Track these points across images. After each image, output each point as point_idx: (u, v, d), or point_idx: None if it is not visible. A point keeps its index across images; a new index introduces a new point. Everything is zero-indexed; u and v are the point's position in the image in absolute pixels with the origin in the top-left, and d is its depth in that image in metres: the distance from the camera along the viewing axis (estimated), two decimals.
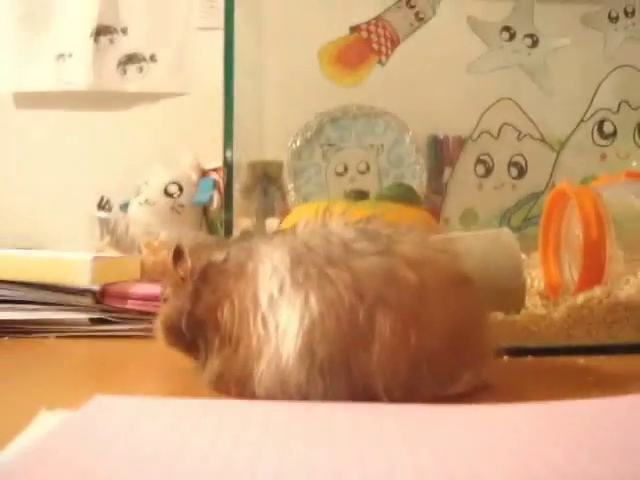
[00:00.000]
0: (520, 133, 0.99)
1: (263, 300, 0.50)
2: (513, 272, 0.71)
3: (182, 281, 0.57)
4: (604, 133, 0.99)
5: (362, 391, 0.48)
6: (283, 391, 0.49)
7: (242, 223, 0.85)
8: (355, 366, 0.48)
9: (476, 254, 0.70)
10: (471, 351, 0.51)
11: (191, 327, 0.55)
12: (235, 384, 0.51)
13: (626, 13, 0.98)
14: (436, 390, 0.49)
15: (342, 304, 0.47)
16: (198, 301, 0.55)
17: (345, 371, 0.48)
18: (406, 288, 0.48)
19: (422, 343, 0.47)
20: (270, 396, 0.49)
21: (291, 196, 1.02)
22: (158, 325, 0.58)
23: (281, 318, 0.49)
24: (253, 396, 0.50)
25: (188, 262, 0.56)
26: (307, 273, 0.49)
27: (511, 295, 0.71)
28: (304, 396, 0.48)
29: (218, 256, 0.55)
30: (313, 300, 0.48)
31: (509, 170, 0.99)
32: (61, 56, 1.66)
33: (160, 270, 0.84)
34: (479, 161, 0.99)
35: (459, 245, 0.72)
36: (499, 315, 0.69)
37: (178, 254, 0.57)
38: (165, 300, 0.59)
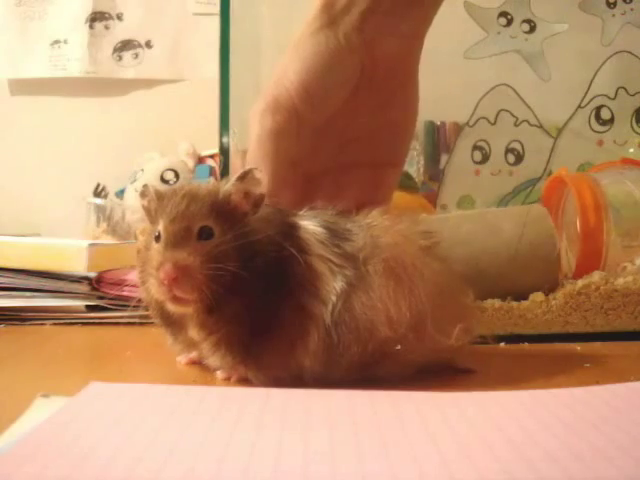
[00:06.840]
0: (517, 119, 0.99)
1: None
2: (548, 243, 0.71)
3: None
4: (601, 119, 0.99)
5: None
6: None
7: None
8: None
9: (508, 228, 0.70)
10: (456, 308, 0.54)
11: None
12: None
13: None
14: (433, 343, 0.51)
15: None
16: None
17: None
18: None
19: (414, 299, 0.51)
20: None
21: None
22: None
23: None
24: None
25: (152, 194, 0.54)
26: None
27: (547, 266, 0.71)
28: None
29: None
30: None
31: (506, 156, 0.99)
32: (56, 42, 1.66)
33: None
34: (476, 147, 0.99)
35: (489, 218, 0.72)
36: (496, 302, 0.69)
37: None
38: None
